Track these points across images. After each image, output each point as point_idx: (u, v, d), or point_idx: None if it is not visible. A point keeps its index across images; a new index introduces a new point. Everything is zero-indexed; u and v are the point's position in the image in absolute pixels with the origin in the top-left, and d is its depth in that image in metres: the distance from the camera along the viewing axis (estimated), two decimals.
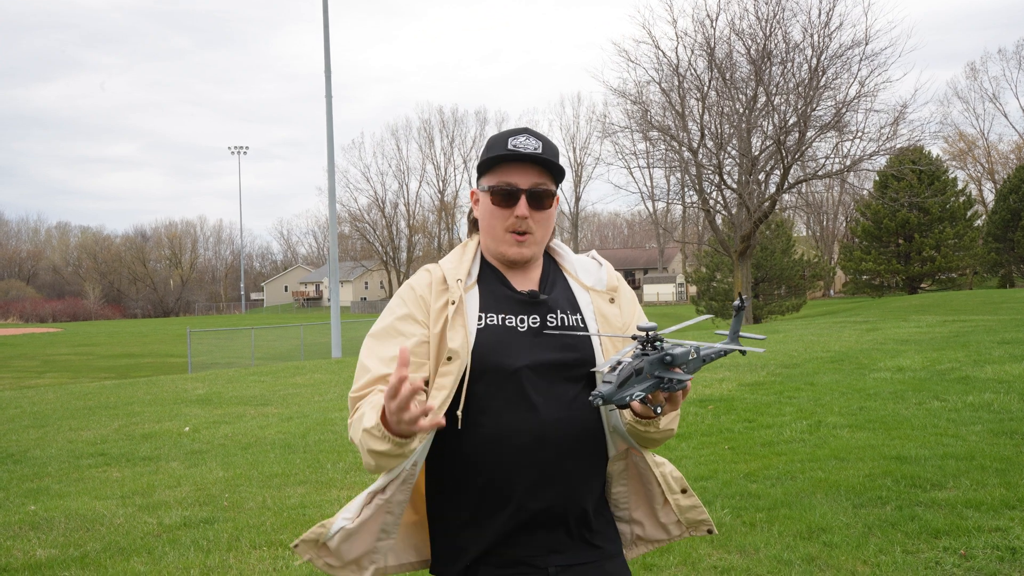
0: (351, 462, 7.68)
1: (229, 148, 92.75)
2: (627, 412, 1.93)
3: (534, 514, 1.93)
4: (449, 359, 1.91)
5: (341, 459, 7.84)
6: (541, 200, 2.01)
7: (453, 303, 1.96)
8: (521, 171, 1.99)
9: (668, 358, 1.73)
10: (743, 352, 1.89)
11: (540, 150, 1.98)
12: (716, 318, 33.15)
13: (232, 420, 10.91)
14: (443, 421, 1.73)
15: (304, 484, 6.96)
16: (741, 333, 1.99)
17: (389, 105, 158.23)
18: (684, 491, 2.12)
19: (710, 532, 2.14)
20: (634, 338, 1.79)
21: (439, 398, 1.89)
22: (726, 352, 1.88)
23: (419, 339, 1.96)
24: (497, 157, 1.98)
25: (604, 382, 1.71)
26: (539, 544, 1.95)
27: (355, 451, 8.13)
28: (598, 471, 2.03)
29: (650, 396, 1.78)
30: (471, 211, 2.15)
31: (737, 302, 1.95)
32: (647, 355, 1.74)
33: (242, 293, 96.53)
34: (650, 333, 1.76)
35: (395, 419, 1.69)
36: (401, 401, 1.64)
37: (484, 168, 2.03)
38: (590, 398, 1.70)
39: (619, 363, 1.72)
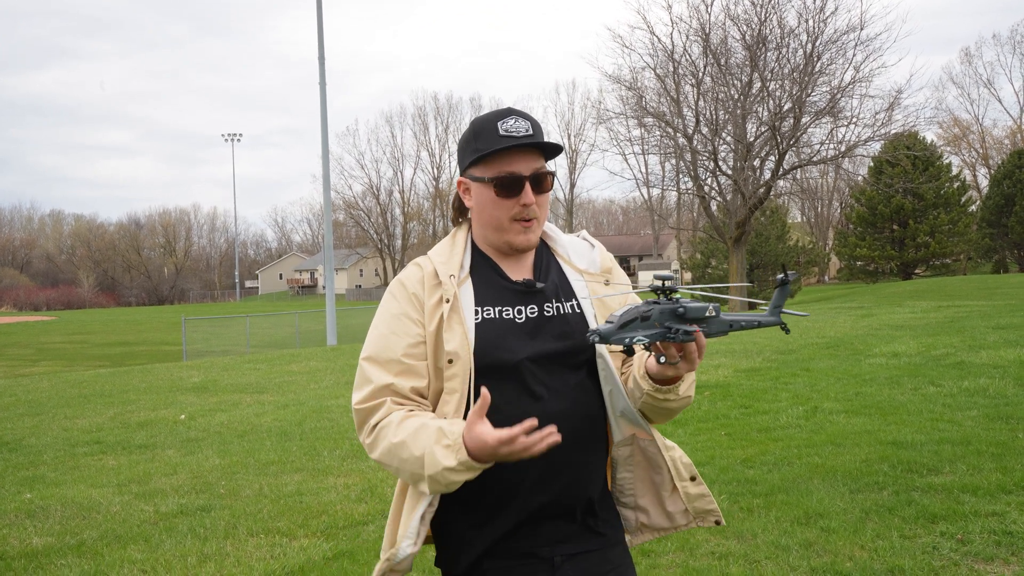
0: (347, 449, 7.68)
1: (223, 135, 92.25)
2: (646, 382, 1.87)
3: (541, 507, 1.91)
4: (451, 362, 1.88)
5: (337, 446, 7.84)
6: (543, 184, 1.98)
7: (447, 301, 1.92)
8: (520, 157, 1.94)
9: (681, 310, 1.68)
10: (785, 329, 1.85)
11: (531, 132, 1.94)
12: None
13: (228, 408, 10.89)
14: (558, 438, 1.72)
15: (301, 471, 6.96)
16: (783, 309, 1.92)
17: (384, 92, 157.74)
18: (693, 479, 2.07)
19: (718, 523, 2.08)
20: (652, 289, 1.76)
21: (452, 403, 1.88)
22: (763, 324, 1.83)
23: (416, 339, 1.93)
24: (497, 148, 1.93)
25: (607, 322, 1.67)
26: (544, 535, 1.92)
27: (351, 438, 8.13)
28: (602, 459, 2.00)
29: (655, 345, 1.72)
30: (456, 199, 2.10)
31: (781, 275, 1.89)
32: (658, 303, 1.70)
33: (236, 281, 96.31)
34: (666, 283, 1.72)
35: (501, 456, 1.71)
36: (524, 446, 1.69)
37: (480, 158, 1.96)
38: (587, 335, 1.66)
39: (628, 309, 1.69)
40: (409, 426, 1.83)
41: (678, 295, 1.73)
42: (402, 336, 1.93)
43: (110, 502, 6.18)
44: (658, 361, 1.73)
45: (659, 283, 1.73)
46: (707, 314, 1.71)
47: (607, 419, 2.00)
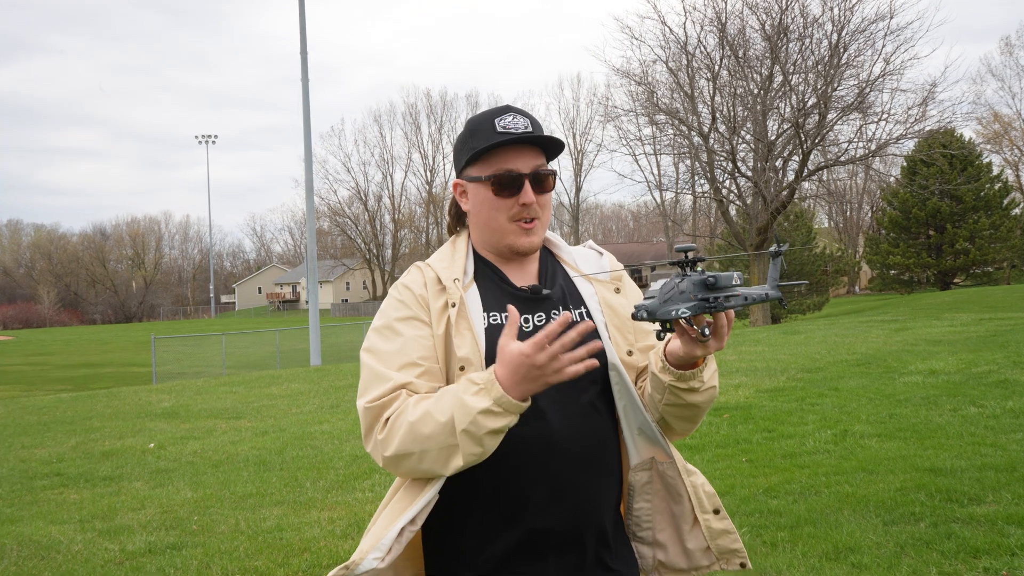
0: (332, 480, 7.66)
1: (196, 137, 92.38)
2: (666, 374, 1.90)
3: (544, 534, 1.90)
4: (462, 369, 1.90)
5: (321, 477, 7.82)
6: (544, 183, 2.02)
7: (453, 305, 1.95)
8: (518, 154, 1.98)
9: (711, 279, 1.77)
10: (783, 304, 1.95)
11: (531, 128, 1.98)
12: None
13: (201, 435, 10.89)
14: (600, 344, 1.76)
15: (281, 505, 6.94)
16: (780, 282, 1.99)
17: (373, 88, 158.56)
18: (717, 511, 2.05)
19: (743, 566, 2.05)
20: (674, 263, 1.84)
21: None
22: (770, 297, 1.93)
23: (429, 342, 1.94)
24: (493, 144, 1.97)
25: (647, 298, 1.76)
26: (550, 570, 1.91)
27: (337, 467, 8.12)
28: (614, 484, 2.01)
29: (694, 319, 1.81)
30: (452, 204, 2.14)
31: (774, 247, 1.95)
32: (688, 276, 1.78)
33: (211, 296, 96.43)
34: (690, 254, 1.80)
35: (538, 372, 1.71)
36: (568, 341, 1.70)
37: (475, 156, 2.01)
38: (633, 311, 1.75)
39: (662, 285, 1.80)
40: (427, 400, 1.83)
41: (701, 267, 1.82)
42: (416, 340, 1.94)
43: (71, 540, 6.17)
44: (702, 335, 1.79)
45: (682, 255, 1.82)
46: (734, 283, 1.80)
47: (620, 439, 2.01)
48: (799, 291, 40.94)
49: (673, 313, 1.74)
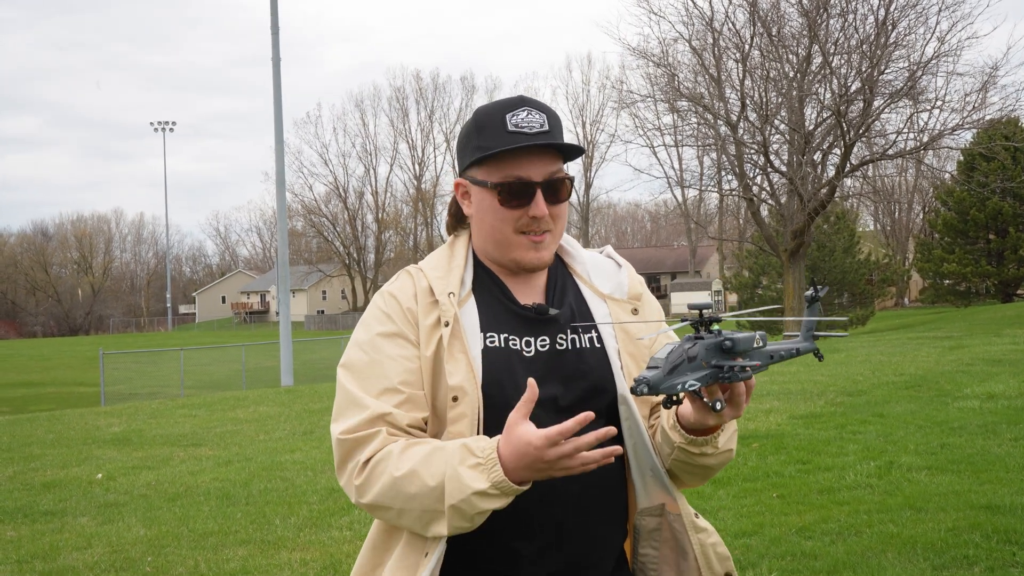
0: (305, 516, 7.68)
1: (152, 124, 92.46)
2: (677, 433, 1.92)
3: None
4: (455, 399, 1.90)
5: (292, 513, 7.84)
6: (559, 191, 2.01)
7: (447, 324, 1.94)
8: (530, 158, 1.97)
9: (728, 343, 1.75)
10: (818, 355, 1.94)
11: (547, 127, 1.96)
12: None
13: (156, 465, 10.91)
14: (619, 450, 1.77)
15: (246, 544, 6.96)
16: (816, 331, 1.99)
17: (354, 69, 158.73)
18: None
19: None
20: (685, 320, 1.82)
21: None
22: (801, 352, 1.91)
23: (414, 364, 1.95)
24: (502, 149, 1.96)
25: (650, 367, 1.73)
26: None
27: (310, 502, 8.14)
28: (618, 530, 2.03)
29: (705, 390, 1.79)
30: (453, 203, 2.14)
31: (810, 292, 1.96)
32: (702, 339, 1.76)
33: (168, 306, 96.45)
34: (705, 313, 1.78)
35: (545, 465, 1.73)
36: (583, 444, 1.71)
37: (481, 158, 2.00)
38: (633, 384, 1.72)
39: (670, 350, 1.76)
40: (416, 453, 1.83)
41: (717, 326, 1.80)
42: (398, 360, 1.94)
43: None
44: (714, 408, 1.77)
45: (696, 314, 1.79)
46: (755, 345, 1.79)
47: (628, 479, 2.03)
48: (839, 302, 40.95)
49: (679, 387, 1.73)
